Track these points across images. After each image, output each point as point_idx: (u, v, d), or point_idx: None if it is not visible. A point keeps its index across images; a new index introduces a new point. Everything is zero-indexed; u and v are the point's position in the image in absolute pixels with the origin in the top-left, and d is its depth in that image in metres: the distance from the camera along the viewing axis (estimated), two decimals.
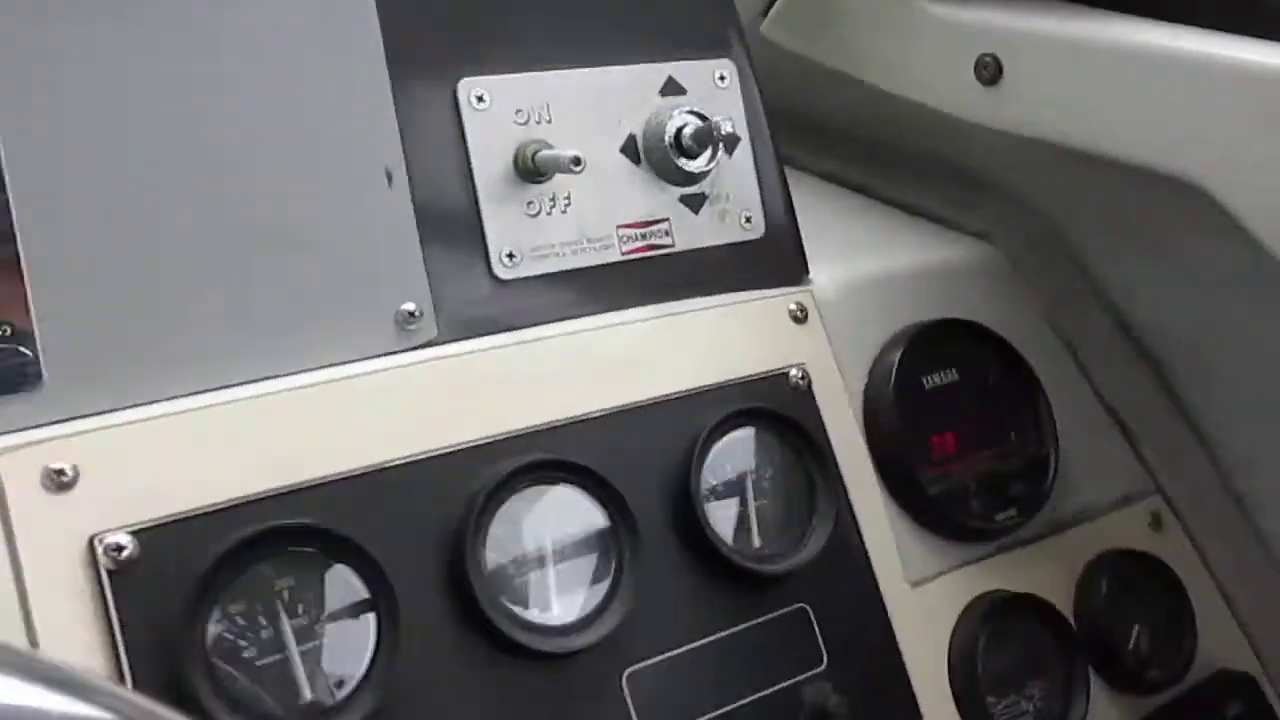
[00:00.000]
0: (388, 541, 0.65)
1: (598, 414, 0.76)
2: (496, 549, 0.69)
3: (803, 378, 0.84)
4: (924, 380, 0.91)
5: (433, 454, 0.70)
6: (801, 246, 0.90)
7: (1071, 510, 0.96)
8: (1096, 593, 0.91)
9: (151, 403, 0.64)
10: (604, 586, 0.72)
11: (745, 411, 0.79)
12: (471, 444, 0.71)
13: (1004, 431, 0.94)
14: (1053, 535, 0.94)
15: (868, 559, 0.83)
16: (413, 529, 0.67)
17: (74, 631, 0.58)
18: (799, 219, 0.92)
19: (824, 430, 0.84)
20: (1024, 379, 0.95)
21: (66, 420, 0.62)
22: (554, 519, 0.72)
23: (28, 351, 0.62)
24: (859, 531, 0.83)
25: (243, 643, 0.62)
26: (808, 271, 0.90)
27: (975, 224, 1.03)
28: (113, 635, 0.59)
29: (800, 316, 0.87)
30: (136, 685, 0.58)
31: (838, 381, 0.87)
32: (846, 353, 0.89)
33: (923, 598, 0.85)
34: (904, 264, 0.96)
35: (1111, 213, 0.95)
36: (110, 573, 0.59)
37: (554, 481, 0.72)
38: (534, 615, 0.69)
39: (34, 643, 0.58)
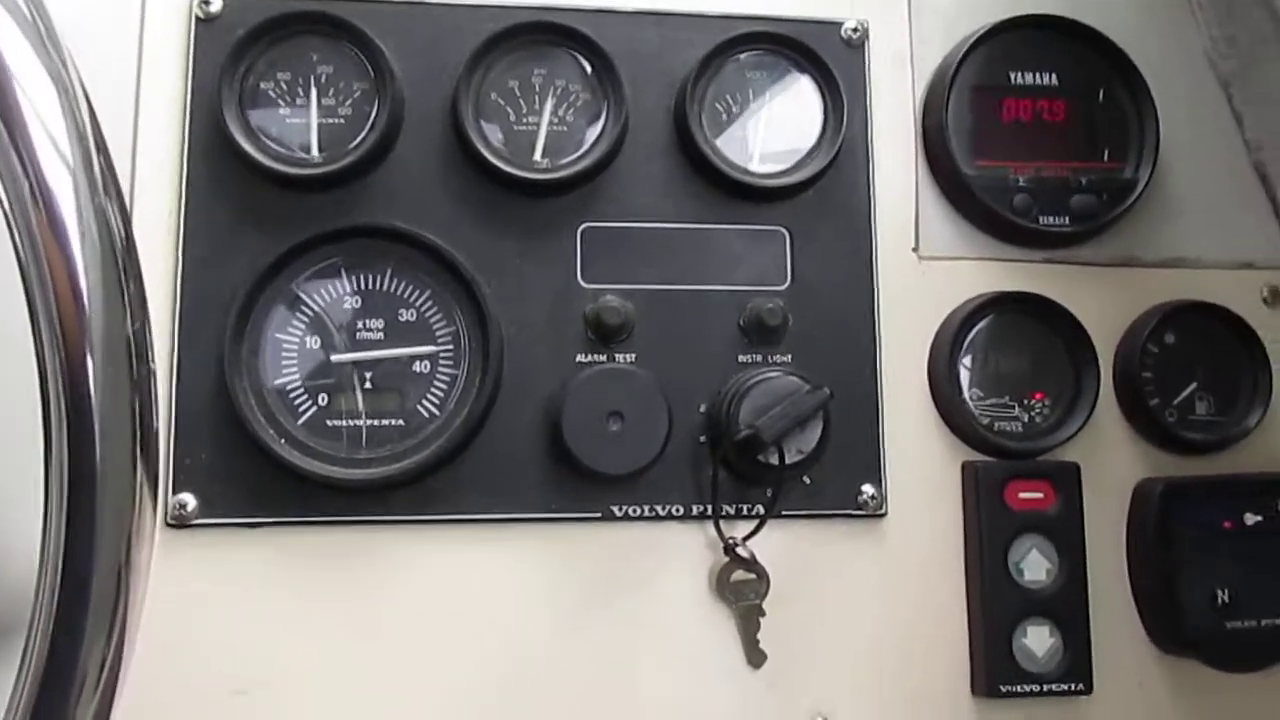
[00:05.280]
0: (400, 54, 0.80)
1: (631, 10, 0.84)
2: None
3: (856, 31, 0.86)
4: (1011, 75, 0.88)
5: (489, 3, 0.82)
6: None
7: (1163, 251, 0.89)
8: (1146, 332, 0.85)
9: None
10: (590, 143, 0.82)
11: (763, 36, 0.83)
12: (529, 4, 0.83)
13: (1095, 147, 0.88)
14: (1126, 267, 0.88)
15: (870, 212, 0.84)
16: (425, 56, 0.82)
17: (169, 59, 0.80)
18: None
19: (863, 86, 0.86)
20: (1136, 98, 0.88)
21: None
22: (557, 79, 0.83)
23: None
24: (870, 186, 0.85)
25: (278, 98, 0.80)
26: None
27: None
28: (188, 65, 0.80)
29: None
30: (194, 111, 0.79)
31: (904, 50, 0.87)
32: (939, 31, 0.88)
33: (927, 272, 0.85)
34: None
35: None
36: (199, 20, 0.80)
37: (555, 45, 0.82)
38: (518, 159, 0.81)
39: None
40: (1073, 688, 0.80)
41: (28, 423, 0.70)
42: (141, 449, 0.43)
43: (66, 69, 0.46)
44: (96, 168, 0.45)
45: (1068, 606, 0.81)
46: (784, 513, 0.80)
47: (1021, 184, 0.86)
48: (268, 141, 0.79)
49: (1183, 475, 0.85)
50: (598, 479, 0.77)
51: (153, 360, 0.45)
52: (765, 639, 0.79)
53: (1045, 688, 0.80)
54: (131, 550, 0.43)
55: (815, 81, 0.85)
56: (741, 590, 0.79)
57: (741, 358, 0.81)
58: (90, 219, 0.43)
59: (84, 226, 0.43)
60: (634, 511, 0.79)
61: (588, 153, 0.81)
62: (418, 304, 0.79)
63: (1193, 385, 0.87)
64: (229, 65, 0.78)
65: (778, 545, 0.79)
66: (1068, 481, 0.83)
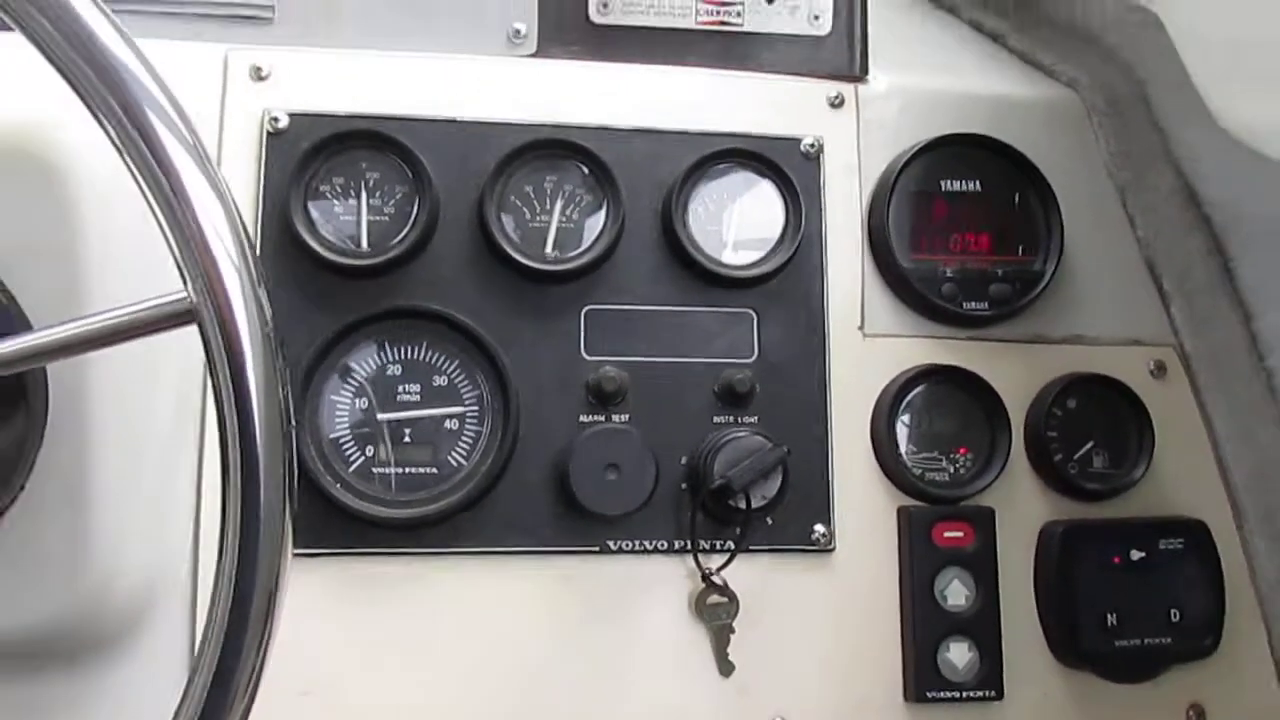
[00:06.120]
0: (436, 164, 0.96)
1: (626, 128, 1.01)
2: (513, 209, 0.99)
3: (813, 146, 1.03)
4: (942, 182, 1.06)
5: (510, 122, 0.99)
6: (864, 49, 1.07)
7: (1066, 330, 1.06)
8: (1051, 398, 1.02)
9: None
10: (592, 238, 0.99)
11: (736, 151, 1.00)
12: (542, 123, 0.99)
13: (1011, 244, 1.06)
14: (1036, 344, 1.05)
15: (824, 297, 1.01)
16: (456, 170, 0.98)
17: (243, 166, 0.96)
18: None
19: (818, 192, 1.03)
20: (1045, 203, 1.05)
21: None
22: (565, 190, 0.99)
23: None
24: (824, 275, 1.02)
25: (333, 199, 0.96)
26: (866, 72, 1.07)
27: (1068, 72, 1.12)
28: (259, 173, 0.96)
29: (836, 103, 1.05)
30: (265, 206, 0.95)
31: (853, 162, 1.05)
32: (882, 146, 1.06)
33: (870, 347, 1.02)
34: (973, 87, 1.09)
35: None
36: (269, 134, 0.96)
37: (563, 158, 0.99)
38: (532, 251, 0.98)
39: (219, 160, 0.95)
40: (987, 694, 0.97)
41: (145, 480, 0.86)
42: (289, 494, 0.58)
43: (222, 184, 0.60)
44: (251, 263, 0.58)
45: (984, 627, 0.98)
46: (750, 548, 0.96)
47: (949, 274, 1.04)
48: (326, 236, 0.95)
49: (1081, 518, 1.02)
50: (596, 519, 0.93)
51: (294, 421, 0.59)
52: (734, 652, 0.95)
53: (964, 694, 0.96)
54: (279, 577, 0.58)
55: (778, 188, 1.02)
56: (715, 612, 0.95)
57: (716, 419, 0.98)
58: (252, 306, 0.57)
59: (248, 312, 0.56)
60: (626, 546, 0.95)
61: (590, 247, 0.98)
62: (449, 371, 0.95)
63: (1090, 443, 1.04)
64: (296, 173, 0.94)
65: (745, 575, 0.96)
66: (985, 523, 1.00)
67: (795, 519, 0.98)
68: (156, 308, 0.57)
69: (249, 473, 0.56)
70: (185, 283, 0.57)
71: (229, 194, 0.59)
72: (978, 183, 1.06)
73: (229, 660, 0.57)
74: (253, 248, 0.59)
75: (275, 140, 0.96)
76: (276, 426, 0.57)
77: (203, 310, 0.56)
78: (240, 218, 0.60)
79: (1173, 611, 1.01)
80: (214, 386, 0.57)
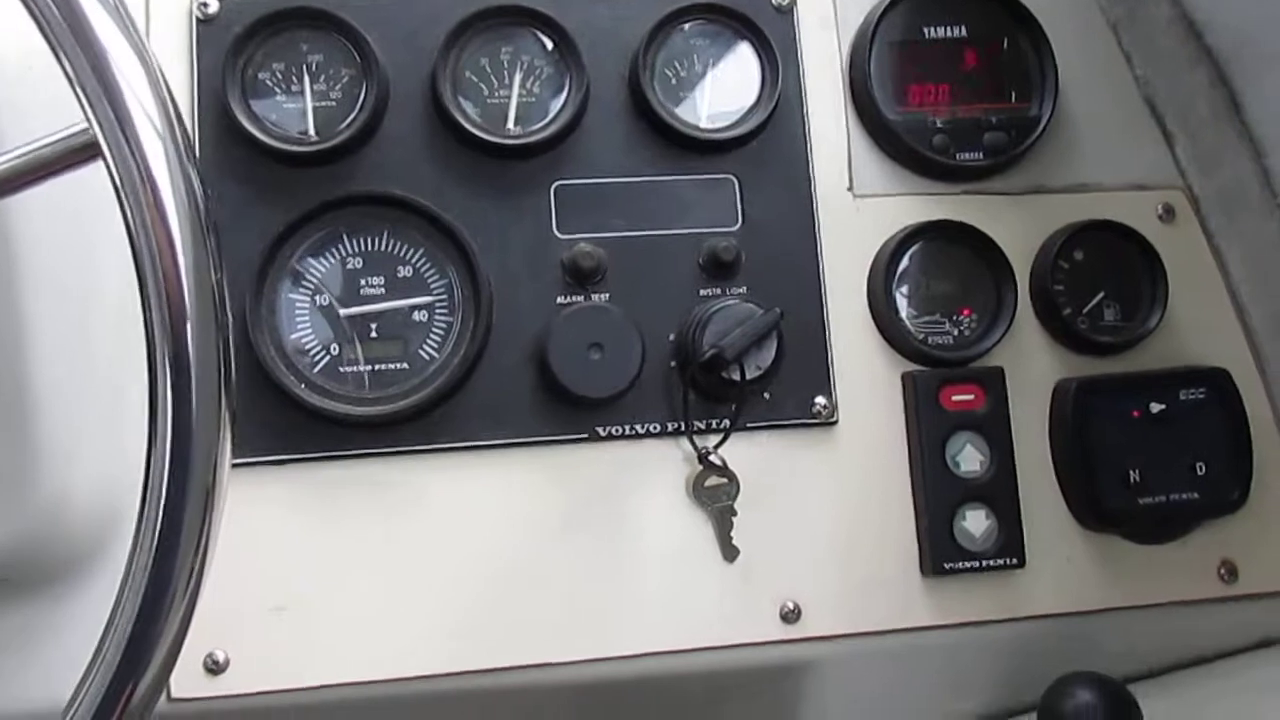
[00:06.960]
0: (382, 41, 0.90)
1: None
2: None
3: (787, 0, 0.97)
4: (924, 29, 0.99)
5: None
6: None
7: (1068, 178, 1.00)
8: (1056, 250, 0.96)
9: None
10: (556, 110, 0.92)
11: (703, 6, 0.94)
12: None
13: (1002, 90, 0.99)
14: (1036, 194, 0.99)
15: (808, 158, 0.95)
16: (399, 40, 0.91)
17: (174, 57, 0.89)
18: None
19: (794, 47, 0.96)
20: (1035, 46, 0.99)
21: None
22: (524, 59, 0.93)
23: None
24: (806, 135, 0.96)
25: (274, 87, 0.89)
26: None
27: None
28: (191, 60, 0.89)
29: None
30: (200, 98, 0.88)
31: (829, 13, 0.98)
32: None
33: (861, 208, 0.96)
34: None
35: None
36: (199, 21, 0.89)
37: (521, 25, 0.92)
38: (493, 128, 0.91)
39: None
40: (1008, 562, 0.92)
41: (95, 381, 0.80)
42: (224, 383, 0.51)
43: (148, 51, 0.53)
44: (179, 135, 0.51)
45: (1000, 492, 0.93)
46: (748, 425, 0.91)
47: (939, 125, 0.97)
48: (270, 125, 0.88)
49: (1095, 374, 0.96)
50: (583, 403, 0.87)
51: (230, 309, 0.52)
52: (738, 536, 0.89)
53: (984, 564, 0.91)
54: (217, 472, 0.51)
55: (752, 45, 0.95)
56: (715, 494, 0.89)
57: (702, 291, 0.92)
58: (179, 180, 0.50)
59: (174, 186, 0.50)
60: (616, 431, 0.89)
61: (555, 119, 0.91)
62: (413, 261, 0.89)
63: (1100, 295, 0.98)
64: (230, 60, 0.87)
65: (745, 454, 0.90)
66: (995, 384, 0.94)
67: (794, 392, 0.92)
68: (53, 143, 0.51)
69: (178, 358, 0.50)
70: (85, 110, 0.50)
71: (149, 52, 0.52)
72: (963, 27, 1.00)
73: (164, 565, 0.50)
74: (159, 70, 0.52)
75: (206, 28, 0.90)
76: (204, 267, 0.51)
77: (106, 139, 0.49)
78: (163, 79, 0.53)
79: (1198, 465, 0.95)
80: (129, 238, 0.51)
